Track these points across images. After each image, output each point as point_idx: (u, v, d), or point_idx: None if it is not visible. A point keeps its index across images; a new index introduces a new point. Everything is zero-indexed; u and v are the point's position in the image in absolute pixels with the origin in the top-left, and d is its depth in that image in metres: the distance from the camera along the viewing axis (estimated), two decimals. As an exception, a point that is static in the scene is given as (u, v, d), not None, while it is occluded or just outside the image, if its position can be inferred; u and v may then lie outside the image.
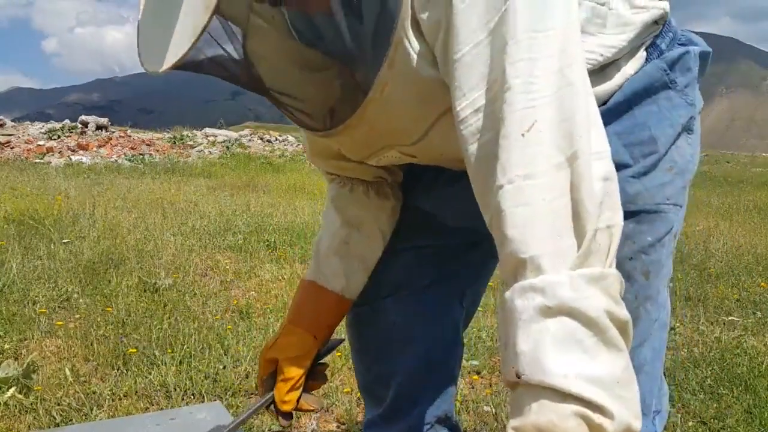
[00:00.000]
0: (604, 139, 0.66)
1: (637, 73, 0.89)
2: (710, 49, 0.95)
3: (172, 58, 0.66)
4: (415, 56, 0.75)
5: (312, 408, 1.09)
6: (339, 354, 2.18)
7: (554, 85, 0.64)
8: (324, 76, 0.85)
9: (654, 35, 0.90)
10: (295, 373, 1.05)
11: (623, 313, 0.62)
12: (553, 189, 0.63)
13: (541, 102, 0.64)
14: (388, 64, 0.75)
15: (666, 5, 0.90)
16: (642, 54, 0.89)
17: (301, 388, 1.06)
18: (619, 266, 0.65)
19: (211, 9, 0.64)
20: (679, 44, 0.92)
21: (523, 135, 0.64)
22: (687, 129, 0.93)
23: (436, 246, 1.15)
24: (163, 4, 0.70)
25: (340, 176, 1.13)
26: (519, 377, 0.61)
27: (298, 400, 1.06)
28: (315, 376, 1.10)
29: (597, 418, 0.57)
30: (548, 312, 0.60)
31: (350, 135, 0.87)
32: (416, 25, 0.74)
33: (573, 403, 0.57)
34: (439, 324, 1.19)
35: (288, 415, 1.06)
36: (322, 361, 1.12)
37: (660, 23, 0.89)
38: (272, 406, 1.06)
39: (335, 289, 1.10)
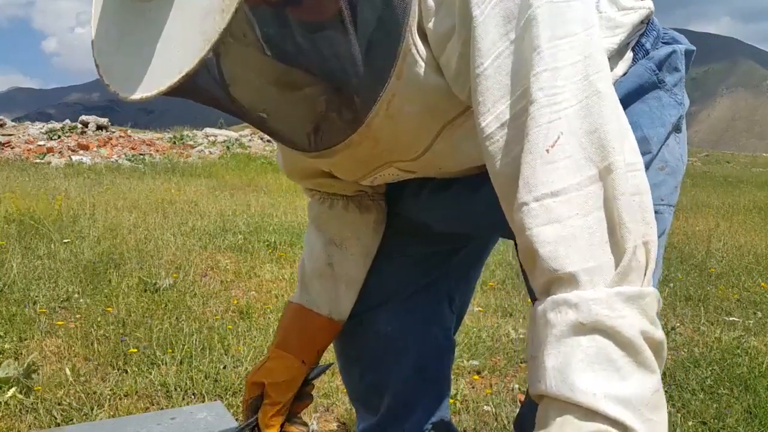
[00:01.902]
0: (636, 150, 0.64)
1: (626, 74, 0.88)
2: (694, 48, 0.95)
3: (162, 82, 0.58)
4: (422, 64, 0.72)
5: None
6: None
7: (580, 93, 0.62)
8: (319, 93, 0.79)
9: (639, 34, 0.89)
10: (281, 398, 1.04)
11: (659, 334, 0.60)
12: (585, 204, 0.61)
13: (566, 113, 0.62)
14: (395, 74, 0.72)
15: (651, 4, 0.89)
16: (629, 55, 0.88)
17: (286, 413, 1.06)
18: None
19: (212, 40, 0.56)
20: (663, 42, 0.91)
21: (547, 150, 0.62)
22: (676, 128, 0.92)
23: (424, 253, 1.14)
24: (132, 25, 0.63)
25: (319, 192, 1.10)
26: (546, 391, 0.60)
27: (283, 425, 1.05)
28: (301, 397, 1.09)
29: None
30: (581, 329, 0.59)
31: (349, 154, 0.82)
32: (421, 32, 0.71)
33: (598, 421, 0.57)
34: (430, 330, 1.18)
35: None
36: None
37: (644, 22, 0.89)
38: (255, 430, 1.05)
39: (323, 313, 1.08)
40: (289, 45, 0.73)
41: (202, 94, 0.71)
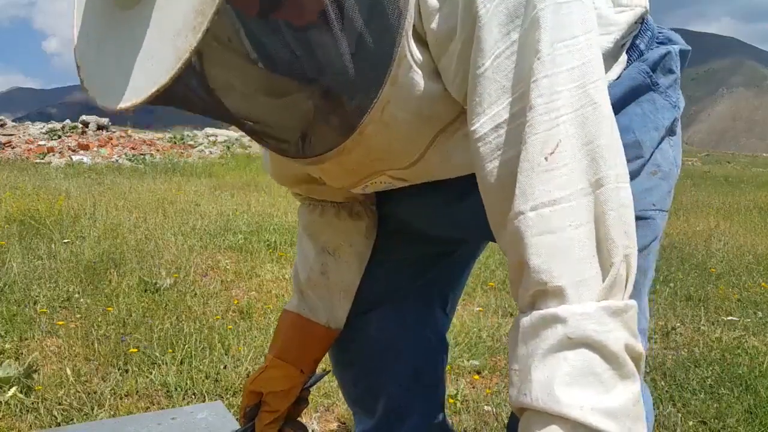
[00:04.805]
0: (624, 163, 0.64)
1: (619, 77, 0.85)
2: (689, 47, 0.93)
3: (139, 94, 0.57)
4: (417, 69, 0.70)
5: None
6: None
7: (576, 102, 0.61)
8: (309, 101, 0.74)
9: (633, 35, 0.86)
10: (280, 406, 1.05)
11: (639, 346, 0.61)
12: (578, 216, 0.61)
13: (563, 120, 0.61)
14: (390, 81, 0.69)
15: (646, 2, 0.87)
16: (624, 57, 0.85)
17: (283, 420, 1.07)
18: None
19: (183, 58, 0.55)
20: (657, 42, 0.89)
21: (546, 158, 0.61)
22: (670, 131, 0.90)
23: (416, 255, 1.14)
24: (111, 32, 0.61)
25: (309, 199, 1.09)
26: (531, 404, 0.60)
27: (280, 430, 1.07)
28: (297, 401, 1.10)
29: None
30: (569, 343, 0.59)
31: (341, 161, 0.79)
32: (416, 34, 0.69)
33: None
34: (423, 332, 1.18)
35: None
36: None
37: (639, 22, 0.86)
38: None
39: (321, 322, 1.08)
40: (276, 52, 0.69)
41: (188, 103, 0.69)
